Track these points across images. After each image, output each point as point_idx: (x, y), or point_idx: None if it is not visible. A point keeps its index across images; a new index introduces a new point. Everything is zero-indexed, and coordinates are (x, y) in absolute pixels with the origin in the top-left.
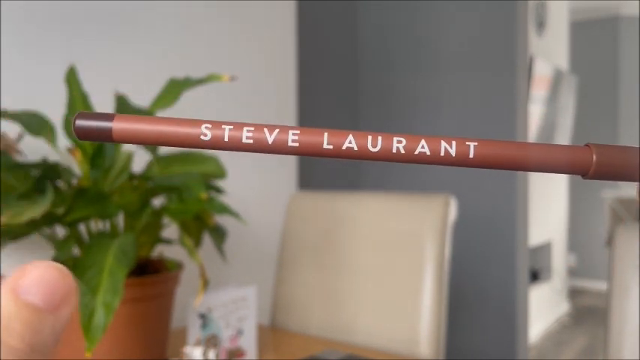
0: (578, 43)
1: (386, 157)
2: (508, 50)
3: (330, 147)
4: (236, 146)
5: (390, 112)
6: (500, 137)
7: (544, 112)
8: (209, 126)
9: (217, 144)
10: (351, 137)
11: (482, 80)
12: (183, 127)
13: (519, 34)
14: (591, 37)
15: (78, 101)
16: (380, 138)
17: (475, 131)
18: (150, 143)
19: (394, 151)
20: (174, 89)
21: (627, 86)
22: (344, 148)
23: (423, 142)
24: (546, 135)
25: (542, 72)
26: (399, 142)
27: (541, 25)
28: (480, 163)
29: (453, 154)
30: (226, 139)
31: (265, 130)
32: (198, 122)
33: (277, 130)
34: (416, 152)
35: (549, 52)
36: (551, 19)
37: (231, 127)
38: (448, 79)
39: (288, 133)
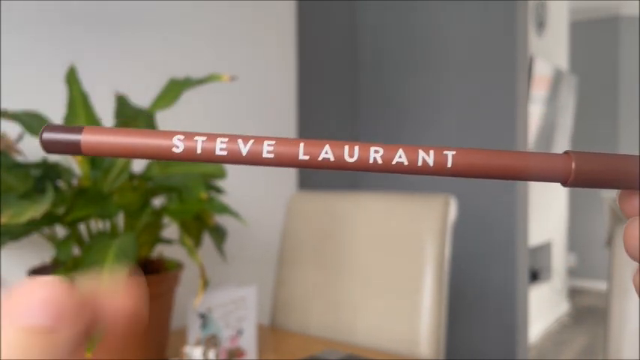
0: (578, 43)
1: (363, 168)
2: (508, 50)
3: (307, 158)
4: (209, 158)
5: (389, 112)
6: (500, 137)
7: (544, 112)
8: (181, 137)
9: (190, 156)
10: (327, 147)
11: (482, 80)
12: (154, 139)
13: (519, 34)
14: (591, 37)
15: (78, 101)
16: (357, 148)
17: (475, 131)
18: (120, 156)
19: (371, 161)
20: (174, 89)
21: (627, 86)
22: (320, 159)
23: (400, 151)
24: (546, 135)
25: (542, 72)
26: (376, 152)
27: (541, 25)
28: (458, 173)
29: (431, 164)
30: (199, 151)
31: (239, 141)
32: (170, 134)
33: (252, 141)
34: (393, 162)
35: (549, 52)
36: (551, 19)
37: (204, 138)
38: (448, 79)
39: (262, 144)
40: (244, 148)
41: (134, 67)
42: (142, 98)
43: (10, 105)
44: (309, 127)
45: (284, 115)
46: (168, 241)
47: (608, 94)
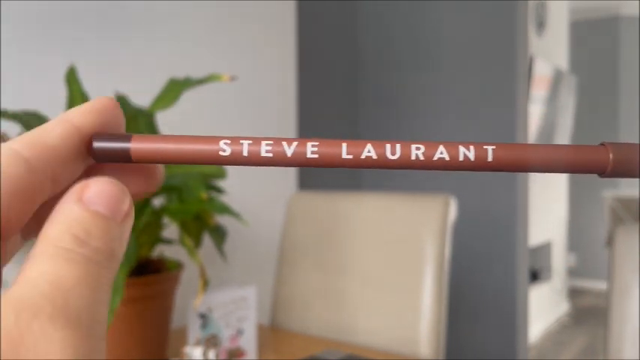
0: (578, 43)
1: (405, 165)
2: (508, 50)
3: (350, 157)
4: (256, 161)
5: (389, 112)
6: (500, 137)
7: (544, 112)
8: (228, 142)
9: (237, 159)
10: (369, 146)
11: (483, 80)
12: (202, 145)
13: (519, 34)
14: (591, 37)
15: (78, 101)
16: (398, 146)
17: (475, 131)
18: (169, 162)
19: (413, 157)
20: (174, 89)
21: (627, 86)
22: (363, 157)
23: (441, 147)
24: (546, 135)
25: (542, 72)
26: (418, 148)
27: (541, 25)
28: (498, 167)
29: (472, 159)
30: (245, 154)
31: (284, 143)
32: (216, 139)
33: (296, 143)
34: (435, 158)
35: (549, 52)
36: (551, 19)
37: (250, 141)
38: (448, 78)
39: (306, 146)
40: (289, 150)
41: (134, 67)
42: (142, 98)
43: (10, 105)
44: (309, 126)
45: (284, 115)
46: (168, 241)
47: (608, 94)
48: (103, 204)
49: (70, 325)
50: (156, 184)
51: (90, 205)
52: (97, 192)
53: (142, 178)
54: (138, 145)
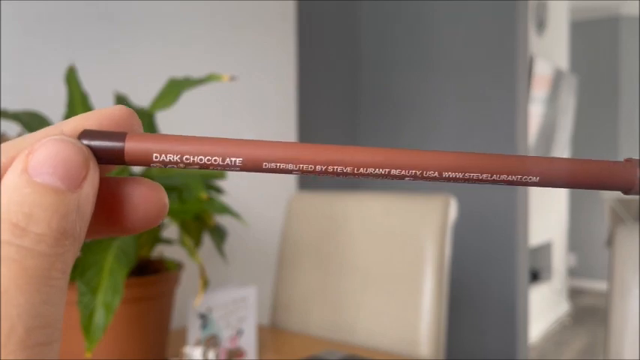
0: (578, 43)
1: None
2: (508, 50)
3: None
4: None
5: (389, 112)
6: (500, 137)
7: (544, 112)
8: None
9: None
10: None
11: (483, 80)
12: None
13: (520, 33)
14: (591, 37)
15: (77, 101)
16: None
17: (475, 131)
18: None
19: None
20: (173, 89)
21: (628, 86)
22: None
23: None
24: (546, 135)
25: (542, 72)
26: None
27: (541, 25)
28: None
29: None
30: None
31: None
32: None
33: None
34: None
35: (549, 52)
36: (551, 19)
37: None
38: (448, 78)
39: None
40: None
41: (134, 66)
42: (142, 98)
43: (10, 105)
44: (309, 126)
45: (284, 115)
46: (168, 241)
47: (609, 94)
48: (52, 171)
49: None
50: (160, 215)
51: (35, 176)
52: (45, 157)
53: (150, 206)
54: (133, 145)
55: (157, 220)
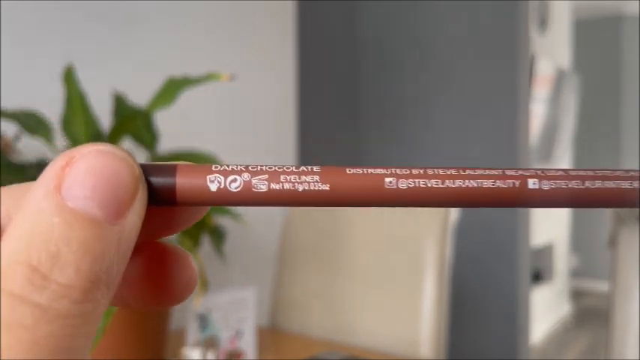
0: (581, 42)
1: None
2: (510, 49)
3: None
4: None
5: (390, 112)
6: (501, 137)
7: (547, 111)
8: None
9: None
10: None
11: (484, 80)
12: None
13: (521, 33)
14: (594, 36)
15: (75, 101)
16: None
17: (476, 131)
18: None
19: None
20: (172, 89)
21: (630, 86)
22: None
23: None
24: (549, 134)
25: (544, 71)
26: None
27: (543, 24)
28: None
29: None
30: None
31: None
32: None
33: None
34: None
35: (552, 51)
36: (553, 18)
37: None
38: (449, 78)
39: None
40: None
41: (132, 66)
42: (142, 97)
43: (8, 104)
44: (309, 126)
45: (283, 115)
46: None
47: (611, 94)
48: (90, 194)
49: None
50: (189, 291)
51: (69, 200)
52: (83, 174)
53: (181, 279)
54: (186, 177)
55: (183, 297)
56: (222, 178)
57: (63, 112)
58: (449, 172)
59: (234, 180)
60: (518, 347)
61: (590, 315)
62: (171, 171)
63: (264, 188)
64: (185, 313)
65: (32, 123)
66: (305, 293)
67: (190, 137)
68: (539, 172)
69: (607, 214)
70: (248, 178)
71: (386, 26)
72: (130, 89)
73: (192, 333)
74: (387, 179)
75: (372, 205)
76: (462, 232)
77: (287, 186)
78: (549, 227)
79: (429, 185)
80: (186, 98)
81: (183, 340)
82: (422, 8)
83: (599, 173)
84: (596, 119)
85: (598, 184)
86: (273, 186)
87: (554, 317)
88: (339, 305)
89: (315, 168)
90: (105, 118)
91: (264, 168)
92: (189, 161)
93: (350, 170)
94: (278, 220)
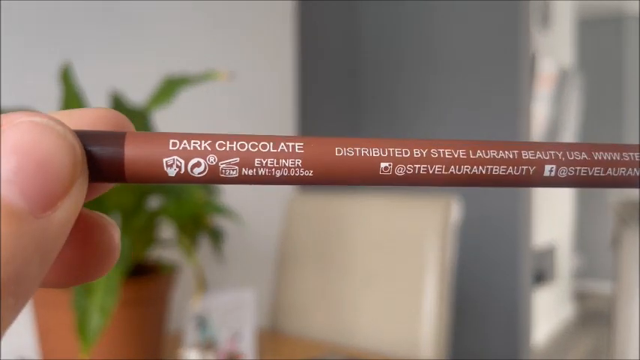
0: (584, 41)
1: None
2: (511, 48)
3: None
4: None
5: (390, 111)
6: (502, 136)
7: (549, 111)
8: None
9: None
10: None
11: (485, 78)
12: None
13: (523, 31)
14: (597, 36)
15: (72, 99)
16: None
17: (478, 129)
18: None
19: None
20: (170, 88)
21: (633, 85)
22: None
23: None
24: (552, 133)
25: (547, 70)
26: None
27: (546, 22)
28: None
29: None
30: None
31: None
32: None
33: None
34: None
35: (555, 50)
36: (556, 17)
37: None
38: (449, 77)
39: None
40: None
41: (130, 64)
42: (139, 96)
43: (4, 102)
44: (309, 125)
45: (283, 115)
46: (164, 243)
47: (614, 93)
48: (14, 179)
49: None
50: (111, 263)
51: None
52: (8, 151)
53: (103, 250)
54: (136, 147)
55: (103, 269)
56: (181, 161)
57: (60, 110)
58: (456, 156)
59: (198, 164)
60: (520, 349)
61: (593, 316)
62: (119, 141)
63: (234, 174)
64: (184, 315)
65: None
66: (305, 294)
67: None
68: (560, 156)
69: (610, 214)
70: (214, 162)
71: (386, 25)
72: (128, 88)
73: (191, 334)
74: (383, 164)
75: (363, 186)
76: (464, 233)
77: (262, 172)
78: (552, 227)
79: (431, 172)
80: (185, 97)
81: (181, 342)
82: (422, 7)
83: (626, 157)
84: (599, 118)
85: (621, 171)
86: (246, 171)
87: (557, 318)
88: (340, 306)
89: (297, 145)
90: None
91: (234, 147)
92: None
93: (340, 151)
94: (278, 221)
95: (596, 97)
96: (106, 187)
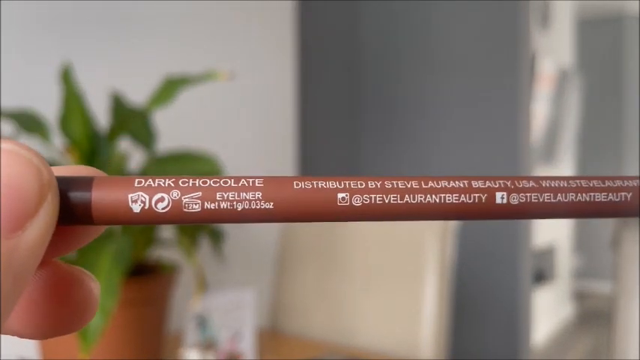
0: (583, 41)
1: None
2: (511, 48)
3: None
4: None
5: (390, 111)
6: (502, 136)
7: (549, 111)
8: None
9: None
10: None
11: (484, 78)
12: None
13: (522, 31)
14: (597, 36)
15: (73, 99)
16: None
17: (477, 130)
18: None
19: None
20: (170, 88)
21: (633, 85)
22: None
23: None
24: (552, 134)
25: (547, 70)
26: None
27: (546, 22)
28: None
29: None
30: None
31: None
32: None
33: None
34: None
35: (554, 50)
36: (556, 17)
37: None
38: (449, 77)
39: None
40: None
41: (130, 64)
42: (138, 96)
43: (5, 103)
44: (309, 125)
45: (283, 114)
46: (164, 243)
47: (614, 94)
48: None
49: None
50: (90, 315)
51: None
52: None
53: (82, 304)
54: (104, 190)
55: (81, 322)
56: (146, 197)
57: (60, 111)
58: (409, 186)
59: (161, 199)
60: (520, 348)
61: (593, 316)
62: (87, 185)
63: (197, 208)
64: (184, 315)
65: (29, 122)
66: (305, 294)
67: (189, 136)
68: (508, 184)
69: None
70: (177, 197)
71: (386, 24)
72: (128, 88)
73: (191, 334)
74: (340, 195)
75: (323, 221)
76: (463, 233)
77: (224, 205)
78: (551, 227)
79: (387, 202)
80: (185, 97)
81: (182, 342)
82: (422, 7)
83: (573, 184)
84: (599, 119)
85: (571, 196)
86: (208, 205)
87: (557, 318)
88: (340, 306)
89: (257, 181)
90: (102, 117)
91: (197, 183)
92: (188, 161)
93: (298, 184)
94: None
95: (595, 97)
96: (98, 232)
